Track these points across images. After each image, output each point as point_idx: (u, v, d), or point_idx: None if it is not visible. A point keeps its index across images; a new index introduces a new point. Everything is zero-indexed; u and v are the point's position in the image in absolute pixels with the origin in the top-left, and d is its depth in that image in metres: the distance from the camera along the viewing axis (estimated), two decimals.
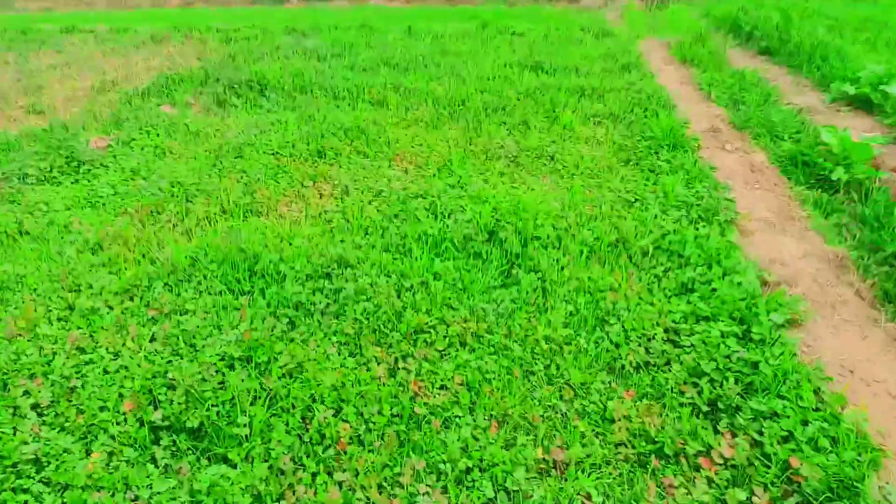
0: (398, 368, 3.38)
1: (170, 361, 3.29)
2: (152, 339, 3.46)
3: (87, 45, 11.68)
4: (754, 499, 2.62)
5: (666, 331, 3.65)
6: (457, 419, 3.05)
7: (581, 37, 11.72)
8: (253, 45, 11.22)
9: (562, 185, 5.62)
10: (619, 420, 3.06)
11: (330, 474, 2.71)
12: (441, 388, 3.24)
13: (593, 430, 3.02)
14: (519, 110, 7.42)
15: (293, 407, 3.04)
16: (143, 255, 4.39)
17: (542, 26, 12.80)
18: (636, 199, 5.21)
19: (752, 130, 7.13)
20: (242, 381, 3.13)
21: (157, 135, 6.70)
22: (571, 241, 4.51)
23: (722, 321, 3.58)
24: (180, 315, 3.78)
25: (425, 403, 3.12)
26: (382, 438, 2.94)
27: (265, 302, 3.88)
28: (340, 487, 2.63)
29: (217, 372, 3.17)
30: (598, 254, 4.44)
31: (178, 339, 3.43)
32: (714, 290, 3.85)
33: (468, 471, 2.76)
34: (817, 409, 2.98)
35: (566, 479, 2.75)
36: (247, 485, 2.57)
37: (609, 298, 3.91)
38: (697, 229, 4.64)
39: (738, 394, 3.12)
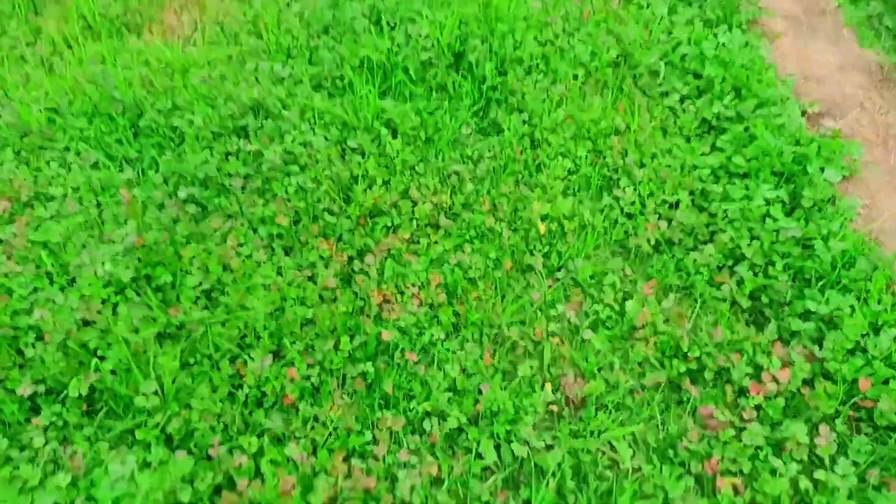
0: (354, 272, 2.63)
1: (34, 291, 2.42)
2: (9, 257, 2.54)
3: None
4: (817, 436, 2.15)
5: (692, 194, 2.94)
6: (439, 344, 2.39)
7: None
8: None
9: None
10: (642, 328, 2.46)
11: (275, 461, 2.08)
12: (413, 297, 2.53)
13: (611, 346, 2.43)
14: None
15: (216, 351, 2.31)
16: None
17: None
18: None
19: None
20: (140, 321, 2.32)
21: None
22: (561, 60, 3.53)
23: (763, 180, 2.88)
24: (44, 204, 2.81)
25: (396, 325, 2.42)
26: (342, 386, 2.28)
27: (160, 177, 2.92)
28: (297, 470, 2.02)
29: (102, 308, 2.35)
30: (596, 77, 3.52)
31: (41, 254, 2.52)
32: (750, 135, 3.07)
33: (460, 430, 2.17)
34: None
35: (582, 421, 2.20)
36: (166, 490, 1.92)
37: (616, 147, 3.10)
38: (716, 35, 3.71)
39: (789, 285, 2.54)
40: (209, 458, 2.04)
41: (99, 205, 2.83)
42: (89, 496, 1.93)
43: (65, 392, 2.15)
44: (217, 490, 2.00)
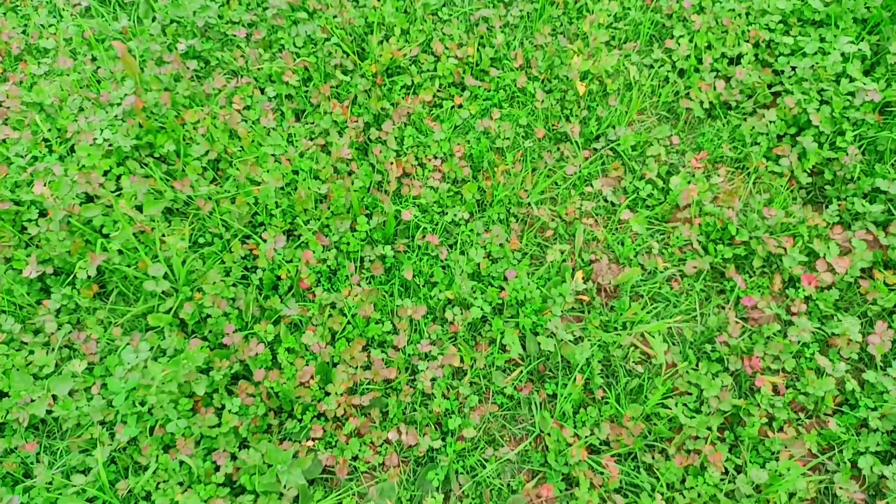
0: (370, 141, 2.32)
1: (33, 161, 2.18)
2: (4, 121, 2.26)
3: None
4: (871, 333, 1.93)
5: (756, 46, 2.47)
6: (462, 225, 2.15)
7: None
8: None
9: None
10: (686, 207, 2.17)
11: (292, 350, 1.94)
12: (434, 170, 2.24)
13: (649, 228, 2.16)
14: None
15: (227, 230, 2.10)
16: None
17: None
18: None
19: None
20: (144, 196, 2.09)
21: None
22: None
23: (843, 30, 2.38)
24: (37, 59, 2.49)
25: (416, 202, 2.17)
26: (360, 271, 2.08)
27: (157, 25, 2.54)
28: (315, 359, 1.89)
29: (104, 181, 2.11)
30: None
31: (36, 118, 2.24)
32: None
33: (484, 319, 1.99)
34: None
35: (614, 311, 2.00)
36: (181, 380, 1.81)
37: None
38: None
39: (859, 160, 2.18)
40: (224, 346, 1.92)
41: (94, 59, 2.49)
42: (104, 384, 1.85)
43: (73, 273, 2.00)
44: (234, 379, 1.90)
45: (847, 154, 2.17)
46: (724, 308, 2.01)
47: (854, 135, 2.20)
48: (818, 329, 1.93)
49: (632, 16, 2.56)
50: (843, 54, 2.31)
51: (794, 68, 2.37)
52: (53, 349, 1.92)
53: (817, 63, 2.31)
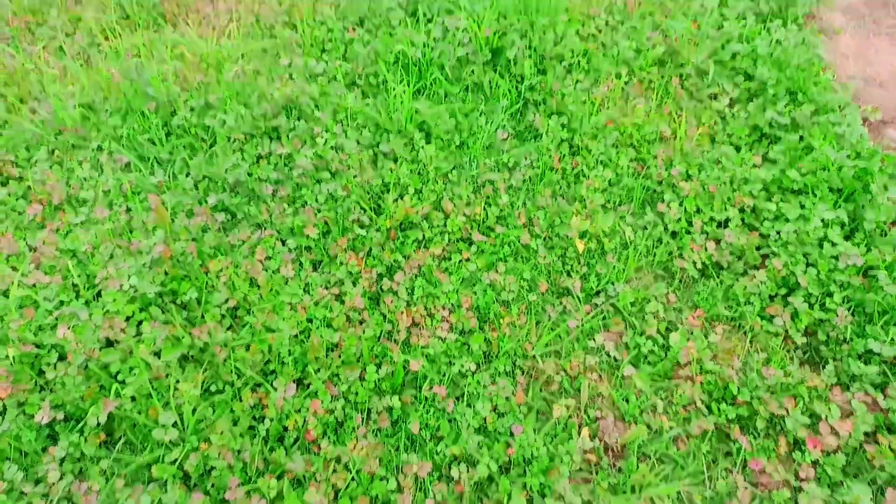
0: (382, 291, 2.29)
1: (60, 305, 2.14)
2: (37, 266, 2.26)
3: None
4: (882, 501, 1.78)
5: (742, 211, 2.51)
6: (469, 377, 2.06)
7: None
8: None
9: None
10: (687, 365, 2.10)
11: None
12: (443, 321, 2.19)
13: (653, 385, 2.07)
14: None
15: (239, 378, 2.02)
16: (17, 105, 2.92)
17: None
18: None
19: None
20: (163, 342, 2.03)
21: None
22: (604, 58, 3.07)
23: (820, 198, 2.43)
24: (75, 208, 2.52)
25: (425, 352, 2.10)
26: (367, 423, 1.97)
27: (190, 181, 2.60)
28: None
29: (126, 326, 2.06)
30: (640, 76, 3.06)
31: (69, 263, 2.23)
32: (806, 145, 2.61)
33: (490, 479, 1.85)
34: None
35: (622, 473, 1.87)
36: None
37: (660, 156, 2.68)
38: (769, 31, 3.20)
39: (849, 321, 2.13)
40: (225, 501, 1.77)
41: (129, 209, 2.53)
42: None
43: (84, 420, 1.89)
44: None
45: (837, 315, 2.13)
46: (731, 472, 1.87)
47: (842, 296, 2.17)
48: (829, 497, 1.79)
49: (625, 181, 2.63)
50: (822, 220, 2.34)
51: (778, 232, 2.39)
52: (52, 501, 1.77)
53: (800, 228, 2.34)
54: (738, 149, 2.75)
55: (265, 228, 2.47)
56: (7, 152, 2.69)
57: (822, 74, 2.92)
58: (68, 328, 2.02)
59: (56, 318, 2.09)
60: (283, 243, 2.42)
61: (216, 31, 3.34)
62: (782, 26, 3.22)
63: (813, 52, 3.02)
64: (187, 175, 2.65)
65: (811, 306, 2.20)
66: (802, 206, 2.43)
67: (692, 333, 2.16)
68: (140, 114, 2.82)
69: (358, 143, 2.73)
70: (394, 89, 2.87)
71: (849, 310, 2.17)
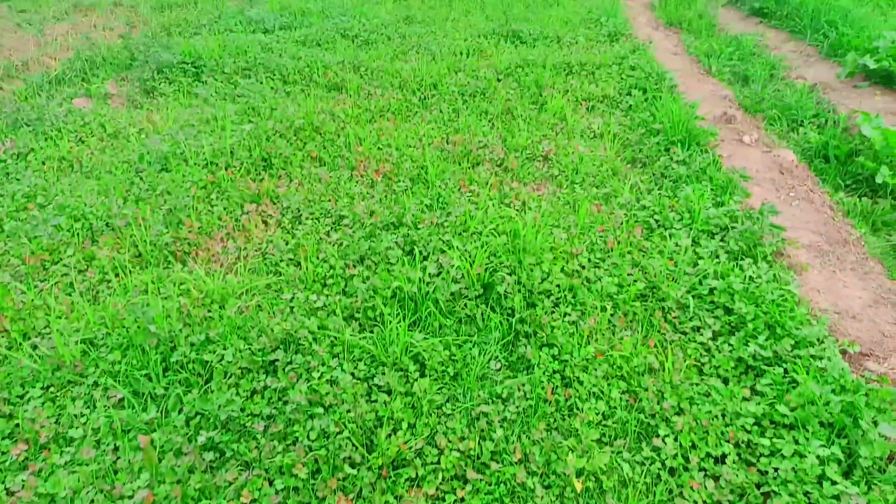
0: None
1: None
2: None
3: None
4: None
5: (737, 446, 2.61)
6: None
7: None
8: (190, 14, 9.61)
9: (562, 197, 4.48)
10: None
11: None
12: None
13: None
14: (501, 95, 6.18)
15: None
16: (20, 341, 3.14)
17: None
18: (657, 221, 4.10)
19: (765, 114, 6.06)
20: None
21: (65, 139, 5.30)
22: (589, 292, 3.40)
23: (813, 433, 2.55)
24: (61, 448, 2.59)
25: None
26: None
27: (182, 418, 2.71)
28: None
29: None
30: (624, 310, 3.35)
31: None
32: (791, 380, 2.80)
33: None
34: None
35: None
36: None
37: (651, 388, 2.84)
38: (741, 268, 3.58)
39: None
40: None
41: (116, 449, 2.60)
42: None
43: None
44: None
45: None
46: None
47: None
48: None
49: (618, 414, 2.75)
50: (818, 457, 2.43)
51: (776, 469, 2.46)
52: None
53: (797, 465, 2.41)
54: (725, 381, 2.93)
55: (253, 468, 2.52)
56: (2, 389, 2.83)
57: (797, 309, 3.22)
58: None
59: None
60: (271, 483, 2.45)
61: (223, 268, 3.70)
62: (753, 264, 3.61)
63: (785, 288, 3.35)
64: (180, 411, 2.76)
65: None
66: (796, 442, 2.53)
67: None
68: (140, 349, 3.02)
69: (353, 376, 2.90)
70: (390, 322, 3.13)
71: None
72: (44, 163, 4.96)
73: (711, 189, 4.41)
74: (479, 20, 8.90)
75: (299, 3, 9.73)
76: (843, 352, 3.08)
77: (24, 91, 6.47)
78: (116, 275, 3.66)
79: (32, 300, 3.39)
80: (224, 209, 4.28)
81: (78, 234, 3.99)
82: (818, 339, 3.01)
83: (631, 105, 6.00)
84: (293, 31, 8.41)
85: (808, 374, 2.78)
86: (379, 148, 5.16)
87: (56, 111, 5.72)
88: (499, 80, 6.61)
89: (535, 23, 8.56)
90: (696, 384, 2.88)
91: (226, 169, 4.78)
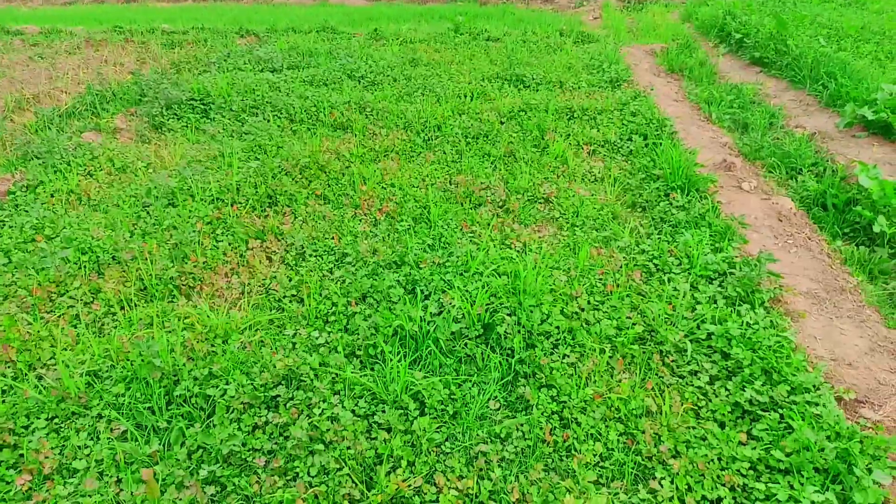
0: None
1: None
2: None
3: (9, 50, 10.22)
4: None
5: (732, 489, 2.68)
6: None
7: (561, 42, 10.68)
8: (200, 51, 9.94)
9: (562, 239, 4.62)
10: None
11: None
12: None
13: None
14: (504, 137, 6.38)
15: None
16: (26, 371, 3.24)
17: (517, 30, 11.77)
18: (656, 266, 4.23)
19: (764, 161, 6.25)
20: None
21: (74, 172, 5.48)
22: (588, 335, 3.50)
23: (808, 479, 2.62)
24: (65, 479, 2.66)
25: None
26: None
27: (185, 451, 2.78)
28: None
29: None
30: (623, 352, 3.45)
31: None
32: (787, 425, 2.88)
33: None
34: None
35: None
36: None
37: (649, 431, 2.92)
38: (739, 314, 3.68)
39: None
40: None
41: (119, 481, 2.67)
42: None
43: None
44: None
45: None
46: None
47: None
48: None
49: (616, 456, 2.83)
50: (812, 502, 2.50)
51: None
52: None
53: None
54: (722, 425, 3.01)
55: (254, 502, 2.58)
56: (7, 420, 2.91)
57: (794, 355, 3.32)
58: None
59: None
60: None
61: (227, 303, 3.82)
62: (751, 310, 3.72)
63: (782, 335, 3.46)
64: (182, 445, 2.84)
65: None
66: (792, 487, 2.61)
67: None
68: (144, 383, 3.11)
69: (354, 413, 2.99)
70: (391, 360, 3.22)
71: None
72: (52, 195, 5.12)
73: (710, 235, 4.55)
74: (484, 64, 9.19)
75: (307, 44, 10.07)
76: (839, 398, 3.17)
77: (35, 124, 6.69)
78: (122, 308, 3.77)
79: (39, 331, 3.50)
80: (229, 245, 4.42)
81: (85, 267, 4.12)
82: (814, 386, 3.10)
83: (632, 150, 6.20)
84: (301, 70, 8.69)
85: (803, 420, 2.87)
86: (383, 187, 5.33)
87: (66, 144, 5.91)
88: (502, 123, 6.83)
89: (538, 68, 8.84)
90: (693, 428, 2.96)
91: (231, 205, 4.93)
